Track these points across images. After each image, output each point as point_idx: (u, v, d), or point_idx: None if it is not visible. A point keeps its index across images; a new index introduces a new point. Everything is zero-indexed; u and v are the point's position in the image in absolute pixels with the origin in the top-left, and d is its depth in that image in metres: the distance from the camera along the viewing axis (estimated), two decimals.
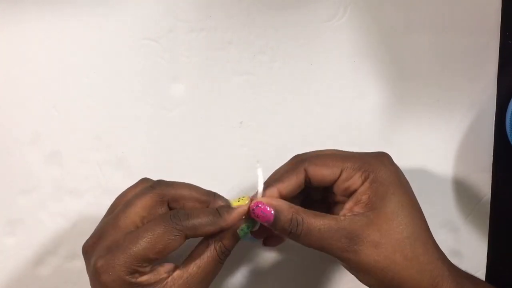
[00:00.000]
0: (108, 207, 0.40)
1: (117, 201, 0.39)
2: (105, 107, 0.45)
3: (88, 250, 0.36)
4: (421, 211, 0.38)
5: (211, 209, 0.37)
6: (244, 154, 0.46)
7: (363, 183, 0.36)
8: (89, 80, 0.45)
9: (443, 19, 0.45)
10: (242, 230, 0.36)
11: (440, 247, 0.37)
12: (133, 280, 0.34)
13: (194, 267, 0.36)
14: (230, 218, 0.36)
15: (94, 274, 0.35)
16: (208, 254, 0.36)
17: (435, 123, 0.46)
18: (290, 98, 0.46)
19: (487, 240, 0.47)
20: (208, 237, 0.37)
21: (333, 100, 0.46)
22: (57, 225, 0.46)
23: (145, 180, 0.40)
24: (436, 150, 0.46)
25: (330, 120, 0.46)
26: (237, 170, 0.46)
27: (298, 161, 0.38)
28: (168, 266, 0.36)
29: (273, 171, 0.40)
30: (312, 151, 0.39)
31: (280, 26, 0.45)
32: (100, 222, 0.38)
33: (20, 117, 0.45)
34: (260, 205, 0.35)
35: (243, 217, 0.36)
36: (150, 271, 0.35)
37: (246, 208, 0.36)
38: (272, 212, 0.35)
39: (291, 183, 0.37)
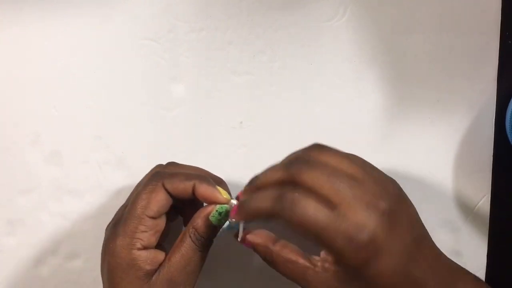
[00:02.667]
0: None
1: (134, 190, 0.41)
2: (105, 107, 0.46)
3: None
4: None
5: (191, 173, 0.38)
6: (244, 154, 0.46)
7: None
8: (89, 80, 0.45)
9: (443, 19, 0.45)
10: (213, 216, 0.36)
11: (440, 247, 0.37)
12: (134, 251, 0.36)
13: (176, 255, 0.37)
14: (206, 187, 0.37)
15: (103, 249, 0.38)
16: (185, 241, 0.37)
17: (435, 123, 0.46)
18: (290, 98, 0.46)
19: (487, 240, 0.47)
20: (187, 227, 0.37)
21: (333, 100, 0.46)
22: (57, 225, 0.46)
23: (157, 167, 0.41)
24: (436, 150, 0.46)
25: (330, 120, 0.46)
26: (237, 170, 0.46)
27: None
28: (163, 254, 0.37)
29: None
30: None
31: (280, 26, 0.45)
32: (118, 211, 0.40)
33: (20, 117, 0.45)
34: (245, 241, 0.37)
35: (216, 205, 0.37)
36: (150, 251, 0.37)
37: (221, 199, 0.37)
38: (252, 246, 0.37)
39: None
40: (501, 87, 0.46)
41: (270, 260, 0.36)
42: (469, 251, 0.47)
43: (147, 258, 0.36)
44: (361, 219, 0.31)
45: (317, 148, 0.36)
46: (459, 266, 0.37)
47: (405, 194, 0.36)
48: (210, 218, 0.37)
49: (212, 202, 0.37)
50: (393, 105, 0.46)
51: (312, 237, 0.32)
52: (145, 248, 0.36)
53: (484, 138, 0.46)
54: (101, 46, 0.45)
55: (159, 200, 0.36)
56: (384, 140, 0.46)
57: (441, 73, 0.45)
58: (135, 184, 0.43)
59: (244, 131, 0.46)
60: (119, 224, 0.37)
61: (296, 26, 0.45)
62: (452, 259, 0.37)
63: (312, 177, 0.32)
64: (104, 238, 0.38)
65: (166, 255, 0.37)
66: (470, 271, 0.40)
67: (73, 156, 0.46)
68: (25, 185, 0.46)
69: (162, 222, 0.38)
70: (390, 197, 0.33)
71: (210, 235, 0.37)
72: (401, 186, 0.37)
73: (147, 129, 0.46)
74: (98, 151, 0.46)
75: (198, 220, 0.37)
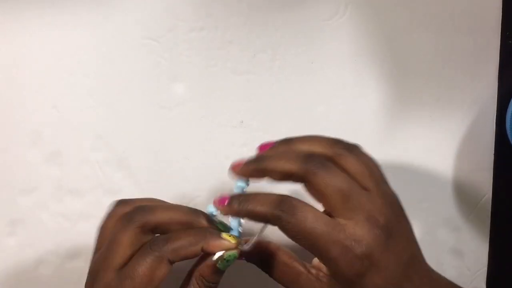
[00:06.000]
0: (108, 208, 0.39)
1: (100, 236, 0.38)
2: (105, 107, 0.45)
3: None
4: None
5: (193, 229, 0.36)
6: (245, 153, 0.46)
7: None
8: (89, 80, 0.45)
9: (444, 19, 0.45)
10: (221, 263, 0.35)
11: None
12: None
13: None
14: (214, 242, 0.35)
15: None
16: None
17: (435, 122, 0.46)
18: (291, 97, 0.46)
19: (488, 239, 0.47)
20: (191, 273, 0.36)
21: (334, 99, 0.46)
22: (58, 225, 0.46)
23: (121, 205, 0.38)
24: (437, 149, 0.46)
25: (331, 119, 0.46)
26: None
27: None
28: None
29: None
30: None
31: (281, 25, 0.45)
32: (92, 260, 0.37)
33: (20, 117, 0.45)
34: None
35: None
36: None
37: (232, 247, 0.35)
38: None
39: None
40: (502, 87, 0.46)
41: (264, 261, 0.36)
42: (470, 250, 0.47)
43: None
44: (359, 232, 0.32)
45: (342, 146, 0.35)
46: (450, 281, 0.36)
47: (405, 212, 0.35)
48: (218, 265, 0.35)
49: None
50: (393, 104, 0.46)
51: (308, 245, 0.32)
52: None
53: (485, 137, 0.46)
54: (101, 46, 0.45)
55: (162, 277, 0.34)
56: (385, 139, 0.46)
57: (442, 72, 0.46)
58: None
59: (245, 130, 0.46)
60: None
61: (296, 25, 0.45)
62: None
63: (324, 183, 0.33)
64: None
65: None
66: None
67: (73, 156, 0.46)
68: (25, 185, 0.46)
69: None
70: (391, 213, 0.33)
71: (218, 280, 0.36)
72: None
73: (147, 128, 0.46)
74: (99, 150, 0.46)
75: (205, 268, 0.35)
